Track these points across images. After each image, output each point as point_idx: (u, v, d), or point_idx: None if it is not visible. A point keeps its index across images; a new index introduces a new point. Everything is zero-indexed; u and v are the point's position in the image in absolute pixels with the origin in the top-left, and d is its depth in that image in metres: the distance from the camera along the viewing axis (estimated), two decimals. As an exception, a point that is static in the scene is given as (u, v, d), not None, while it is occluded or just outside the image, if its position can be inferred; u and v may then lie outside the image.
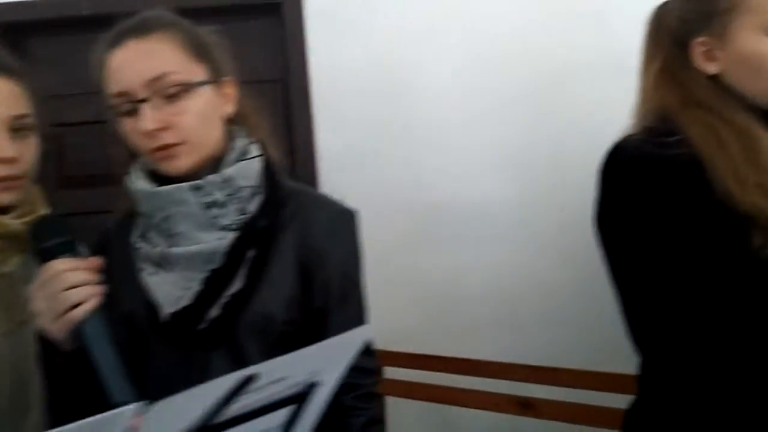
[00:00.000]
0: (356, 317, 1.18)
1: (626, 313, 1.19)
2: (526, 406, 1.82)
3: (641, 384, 1.23)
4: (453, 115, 2.15)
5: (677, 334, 1.12)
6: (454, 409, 1.98)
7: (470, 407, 1.91)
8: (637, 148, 1.15)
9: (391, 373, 1.99)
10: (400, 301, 2.14)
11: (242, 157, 1.17)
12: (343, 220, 1.19)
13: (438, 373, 1.94)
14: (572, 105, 2.08)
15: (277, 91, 2.30)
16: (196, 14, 1.22)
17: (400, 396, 1.98)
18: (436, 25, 2.14)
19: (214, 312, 1.11)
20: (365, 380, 1.17)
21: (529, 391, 1.82)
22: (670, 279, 1.12)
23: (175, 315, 1.12)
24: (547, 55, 2.09)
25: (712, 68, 1.19)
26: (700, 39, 1.19)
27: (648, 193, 1.13)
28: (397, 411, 2.00)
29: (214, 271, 1.12)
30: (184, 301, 1.12)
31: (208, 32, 1.20)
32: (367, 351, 1.17)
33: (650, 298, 1.14)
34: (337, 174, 2.15)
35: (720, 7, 1.18)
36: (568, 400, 1.76)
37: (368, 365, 1.17)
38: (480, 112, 2.15)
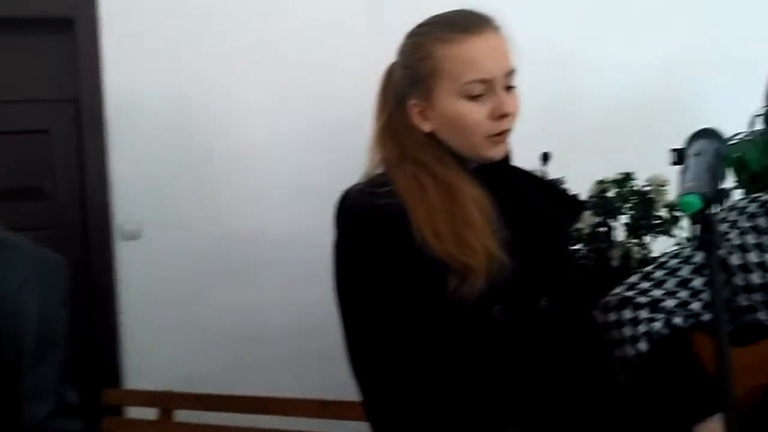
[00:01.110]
0: (52, 377, 1.13)
1: (348, 352, 1.26)
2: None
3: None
4: (256, 145, 2.11)
5: (388, 373, 1.20)
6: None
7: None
8: (354, 198, 1.25)
9: (183, 416, 1.87)
10: (200, 340, 2.04)
11: None
12: (43, 269, 1.15)
13: (242, 415, 1.86)
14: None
15: (68, 112, 2.13)
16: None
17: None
18: (240, 54, 2.10)
19: None
20: None
21: (333, 428, 1.79)
22: (379, 322, 1.21)
23: None
24: (351, 88, 2.11)
25: (426, 127, 1.27)
26: (413, 101, 1.27)
27: (358, 240, 1.23)
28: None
29: None
30: None
31: None
32: (67, 410, 1.14)
33: (363, 340, 1.23)
34: (132, 204, 2.02)
35: (423, 73, 1.25)
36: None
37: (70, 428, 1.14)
38: (283, 141, 2.12)
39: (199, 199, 2.09)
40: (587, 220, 1.79)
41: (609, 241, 1.80)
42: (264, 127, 2.13)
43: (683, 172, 0.98)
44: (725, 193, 1.06)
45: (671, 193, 1.78)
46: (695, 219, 0.95)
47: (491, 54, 1.24)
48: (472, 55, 1.23)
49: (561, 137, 1.96)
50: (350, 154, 1.98)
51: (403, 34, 1.33)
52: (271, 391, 1.88)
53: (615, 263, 1.77)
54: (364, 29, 2.11)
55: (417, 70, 1.27)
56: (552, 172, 1.83)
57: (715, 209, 0.94)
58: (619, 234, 1.82)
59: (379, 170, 1.32)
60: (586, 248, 1.80)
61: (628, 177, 1.82)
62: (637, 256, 1.79)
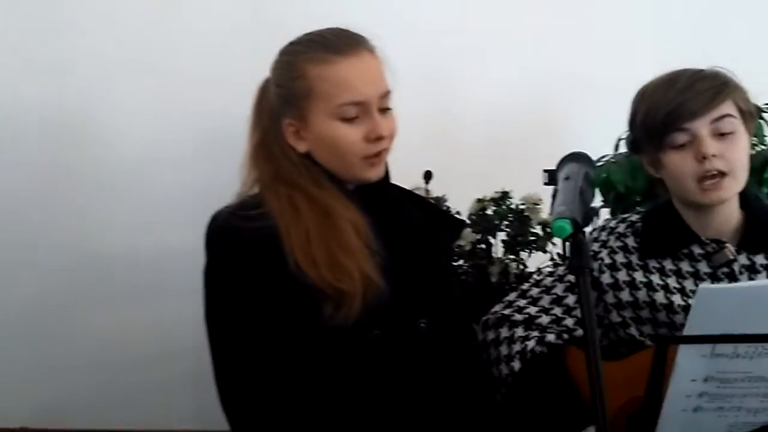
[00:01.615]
0: None
1: (216, 382, 1.23)
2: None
3: None
4: (128, 158, 2.00)
5: (258, 403, 1.18)
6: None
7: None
8: (224, 220, 1.23)
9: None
10: (62, 367, 1.89)
11: None
12: None
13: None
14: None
15: None
16: None
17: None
18: (115, 56, 1.98)
19: None
20: None
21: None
22: (248, 352, 1.19)
23: None
24: (239, 98, 2.03)
25: (301, 147, 1.26)
26: (287, 120, 1.26)
27: (228, 264, 1.20)
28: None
29: None
30: None
31: None
32: None
33: (232, 370, 1.20)
34: None
35: (298, 93, 1.24)
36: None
37: None
38: (160, 154, 2.02)
39: (62, 216, 1.96)
40: (468, 237, 1.82)
41: (488, 257, 1.84)
42: (146, 138, 2.02)
43: (554, 196, 1.00)
44: (594, 212, 1.10)
45: (545, 212, 1.85)
46: (566, 242, 0.98)
47: (365, 76, 1.23)
48: (345, 76, 1.22)
49: (442, 156, 1.98)
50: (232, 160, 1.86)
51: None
52: (141, 421, 1.80)
53: (494, 279, 1.81)
54: (251, 37, 2.05)
55: (290, 89, 1.25)
56: (434, 190, 1.85)
57: (584, 233, 0.97)
58: (498, 251, 1.87)
59: (253, 191, 1.28)
60: (467, 265, 1.84)
61: (505, 195, 1.87)
62: (515, 271, 1.84)
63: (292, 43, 1.29)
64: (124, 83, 2.00)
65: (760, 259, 1.27)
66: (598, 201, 1.83)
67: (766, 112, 1.79)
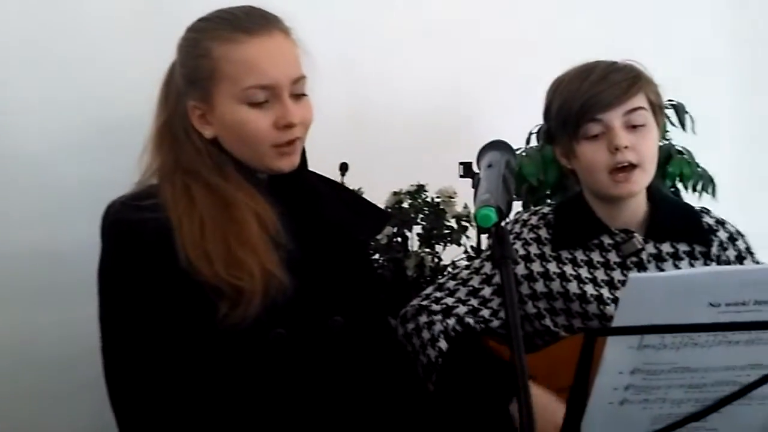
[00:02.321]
0: None
1: (107, 385, 1.16)
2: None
3: None
4: (24, 151, 1.87)
5: (148, 409, 1.11)
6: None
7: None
8: (116, 211, 1.15)
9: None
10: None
11: None
12: None
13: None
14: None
15: None
16: None
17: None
18: (6, 43, 1.85)
19: None
20: None
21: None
22: (139, 354, 1.11)
23: None
24: (134, 88, 1.94)
25: (207, 132, 1.18)
26: (193, 102, 1.18)
27: (118, 259, 1.13)
28: None
29: None
30: None
31: None
32: None
33: (121, 372, 1.13)
34: None
35: (202, 74, 1.16)
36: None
37: None
38: (56, 145, 1.88)
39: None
40: (384, 230, 1.81)
41: (405, 251, 1.84)
42: (44, 129, 1.88)
43: (477, 185, 1.00)
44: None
45: (459, 205, 1.87)
46: (488, 233, 0.97)
47: (275, 58, 1.15)
48: (253, 58, 1.14)
49: (358, 148, 1.95)
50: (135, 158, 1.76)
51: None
52: (42, 429, 1.70)
53: (410, 273, 1.81)
54: (153, 20, 1.95)
55: (194, 69, 1.17)
56: (350, 183, 1.83)
57: (505, 222, 0.96)
58: (413, 244, 1.87)
59: (152, 180, 1.20)
60: (383, 258, 1.83)
61: (421, 189, 1.87)
62: (430, 264, 1.84)
63: (200, 20, 1.21)
64: (15, 71, 1.88)
65: (665, 248, 1.32)
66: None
67: (668, 108, 1.87)
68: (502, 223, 0.92)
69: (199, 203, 1.13)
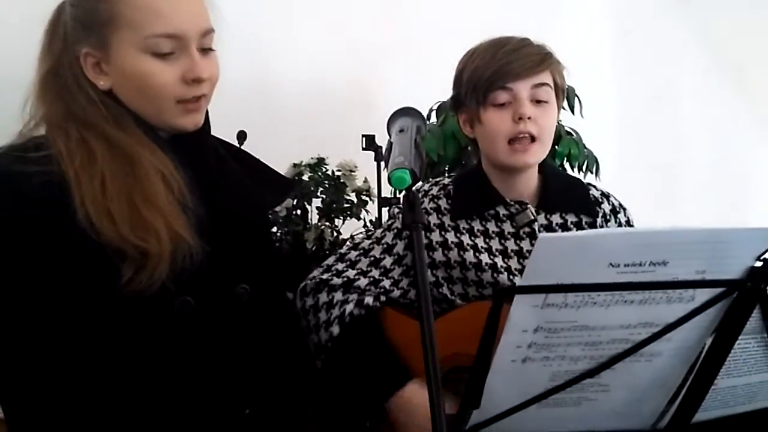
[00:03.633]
0: None
1: None
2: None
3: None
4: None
5: (43, 384, 1.03)
6: None
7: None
8: None
9: None
10: None
11: None
12: None
13: None
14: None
15: None
16: None
17: None
18: None
19: None
20: None
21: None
22: (28, 321, 1.03)
23: None
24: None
25: (102, 83, 1.10)
26: (86, 49, 1.09)
27: None
28: None
29: None
30: None
31: None
32: None
33: (13, 343, 1.04)
34: None
35: (99, 17, 1.07)
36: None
37: None
38: None
39: None
40: (283, 203, 1.79)
41: (305, 224, 1.83)
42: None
43: (389, 149, 0.99)
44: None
45: (359, 179, 1.87)
46: (389, 204, 0.97)
47: (183, 7, 1.08)
48: (158, 4, 1.06)
49: (256, 118, 1.92)
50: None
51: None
52: None
53: (310, 246, 1.80)
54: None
55: (91, 12, 1.07)
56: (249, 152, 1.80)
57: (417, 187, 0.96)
58: (313, 217, 1.86)
59: (38, 131, 1.09)
60: (283, 231, 1.81)
61: (321, 161, 1.87)
62: (330, 238, 1.84)
63: None
64: None
65: (556, 218, 1.38)
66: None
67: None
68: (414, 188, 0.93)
69: (98, 157, 1.04)
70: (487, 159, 1.40)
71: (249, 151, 1.76)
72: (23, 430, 1.05)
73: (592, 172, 1.93)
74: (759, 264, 0.84)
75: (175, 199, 1.06)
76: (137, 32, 1.06)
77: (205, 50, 1.12)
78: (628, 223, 1.45)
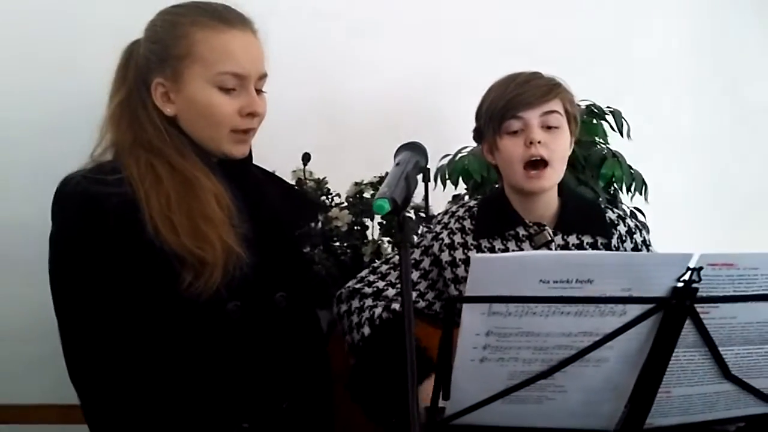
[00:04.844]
0: None
1: (65, 354, 1.21)
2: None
3: None
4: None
5: (107, 376, 1.17)
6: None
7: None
8: (77, 184, 1.18)
9: None
10: None
11: None
12: None
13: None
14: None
15: None
16: None
17: None
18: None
19: None
20: None
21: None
22: (105, 321, 1.17)
23: None
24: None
25: (169, 110, 1.26)
26: (159, 80, 1.25)
27: (81, 231, 1.17)
28: None
29: None
30: None
31: None
32: None
33: (87, 339, 1.18)
34: None
35: (175, 53, 1.24)
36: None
37: None
38: (32, 125, 1.90)
39: None
40: (344, 218, 1.97)
41: (363, 238, 2.00)
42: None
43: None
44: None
45: (417, 197, 2.00)
46: (395, 220, 1.12)
47: (249, 51, 1.27)
48: (230, 46, 1.25)
49: (322, 139, 2.07)
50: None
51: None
52: (9, 398, 1.79)
53: (367, 259, 1.97)
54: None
55: (169, 48, 1.25)
56: (315, 172, 1.98)
57: (407, 212, 1.12)
58: (375, 233, 2.02)
59: (108, 156, 1.26)
60: (343, 245, 1.99)
61: (382, 180, 2.02)
62: (387, 252, 2.00)
63: (175, 6, 1.30)
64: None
65: (572, 240, 1.49)
66: (461, 188, 2.02)
67: (607, 114, 2.02)
68: (403, 213, 1.07)
69: (164, 179, 1.20)
70: (507, 183, 1.53)
71: (315, 171, 1.95)
72: (97, 413, 1.21)
73: (640, 194, 1.98)
74: (680, 285, 0.94)
75: (225, 216, 1.23)
76: (209, 68, 1.24)
77: (259, 91, 1.30)
78: (644, 243, 1.53)
